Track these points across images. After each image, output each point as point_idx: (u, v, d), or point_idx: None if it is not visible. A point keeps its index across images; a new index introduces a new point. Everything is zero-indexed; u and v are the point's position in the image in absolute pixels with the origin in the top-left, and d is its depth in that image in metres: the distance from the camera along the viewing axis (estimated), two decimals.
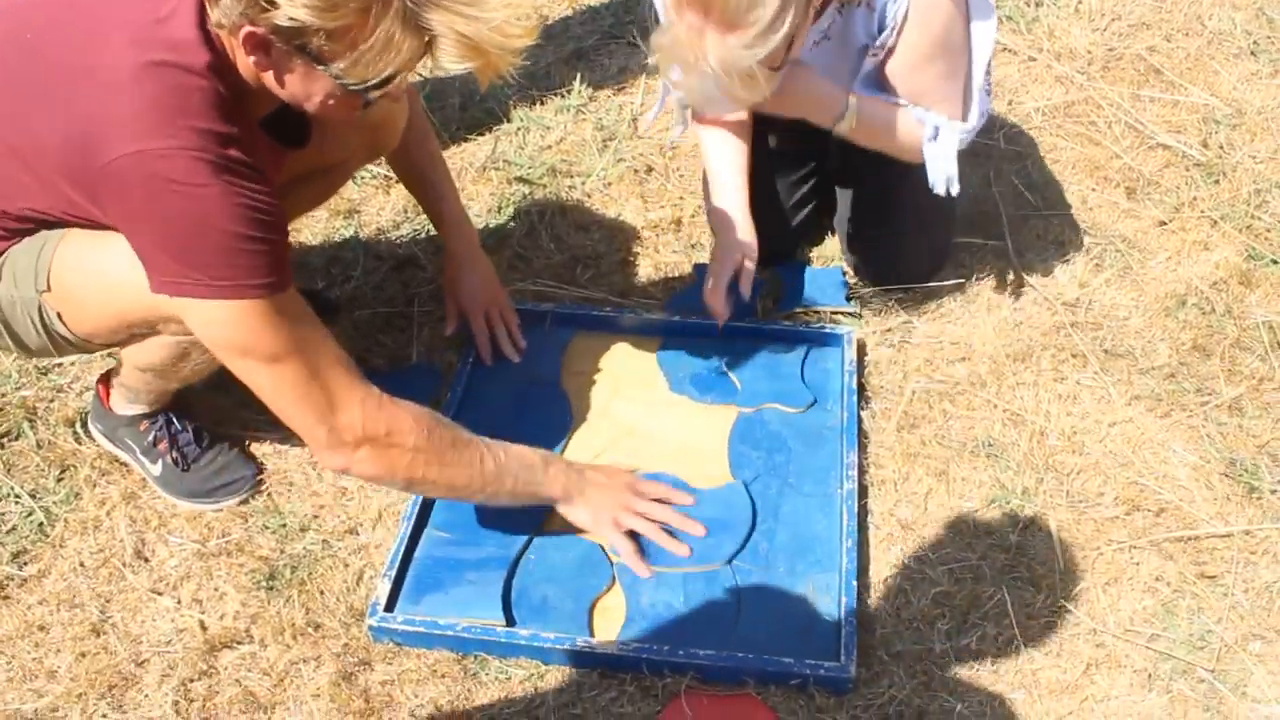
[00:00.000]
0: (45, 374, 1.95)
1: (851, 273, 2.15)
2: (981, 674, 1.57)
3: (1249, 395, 1.93)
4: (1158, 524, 1.74)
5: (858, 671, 1.53)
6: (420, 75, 2.52)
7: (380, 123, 1.75)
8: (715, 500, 1.73)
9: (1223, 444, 1.85)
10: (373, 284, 2.14)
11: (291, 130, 1.61)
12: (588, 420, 1.88)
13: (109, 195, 1.30)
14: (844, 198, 2.12)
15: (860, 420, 1.87)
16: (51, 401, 1.92)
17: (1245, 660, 1.58)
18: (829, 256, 2.20)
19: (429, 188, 1.93)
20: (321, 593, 1.65)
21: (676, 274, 2.16)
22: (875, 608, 1.64)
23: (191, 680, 1.56)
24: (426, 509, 1.72)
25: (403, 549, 1.65)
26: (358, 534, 1.74)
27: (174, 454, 1.76)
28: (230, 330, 1.34)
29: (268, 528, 1.74)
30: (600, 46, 2.73)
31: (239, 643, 1.61)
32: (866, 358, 1.99)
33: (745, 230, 1.90)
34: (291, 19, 1.21)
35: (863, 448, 1.83)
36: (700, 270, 2.09)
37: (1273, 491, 1.78)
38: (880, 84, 1.76)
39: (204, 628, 1.62)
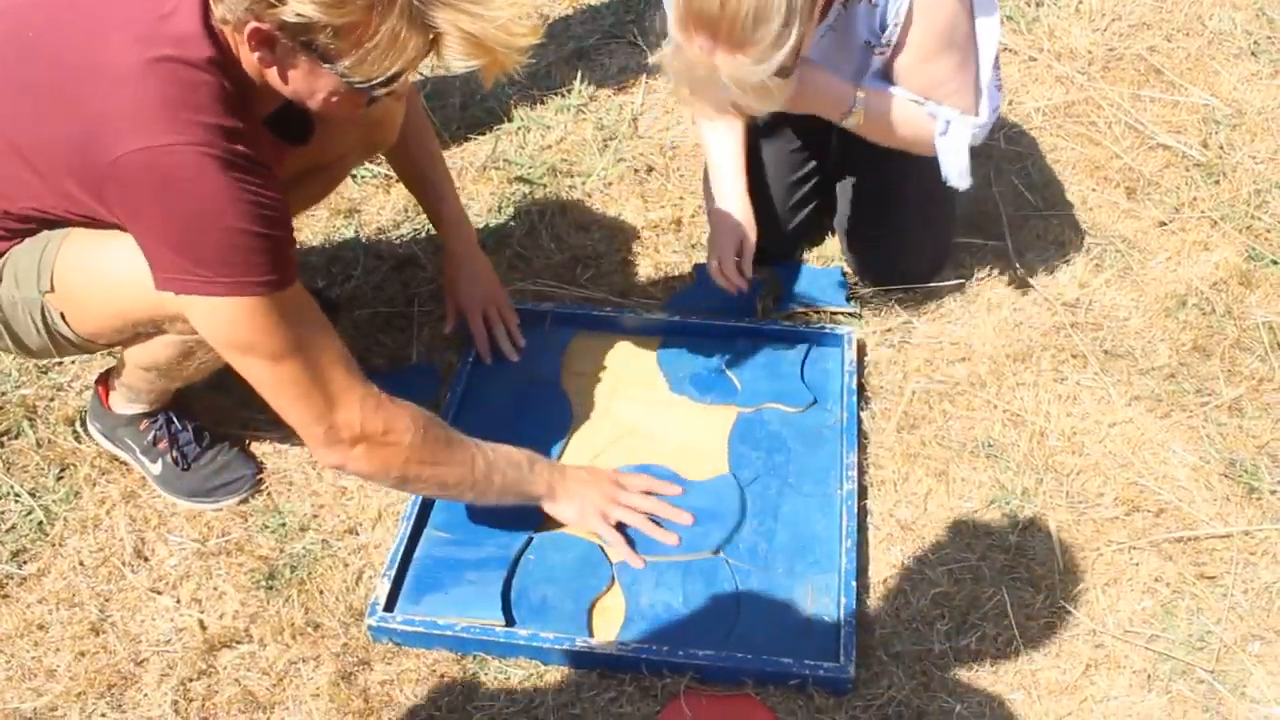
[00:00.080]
0: (45, 372, 1.95)
1: (851, 273, 2.15)
2: (981, 674, 1.57)
3: (1249, 396, 1.93)
4: (1157, 524, 1.75)
5: (857, 672, 1.53)
6: (421, 74, 2.52)
7: (378, 119, 1.75)
8: (705, 491, 1.74)
9: (1222, 444, 1.85)
10: (373, 283, 2.14)
11: (294, 127, 1.61)
12: (588, 420, 1.88)
13: (114, 192, 1.30)
14: (844, 196, 2.12)
15: (860, 420, 1.87)
16: (51, 400, 1.92)
17: (1245, 661, 1.58)
18: (829, 257, 2.20)
19: (428, 187, 1.93)
20: (321, 592, 1.65)
21: (677, 274, 2.16)
22: (874, 608, 1.64)
23: (191, 680, 1.56)
24: (426, 509, 1.72)
25: (402, 549, 1.65)
26: (357, 534, 1.74)
27: (174, 453, 1.76)
28: (233, 327, 1.34)
29: (267, 527, 1.74)
30: (601, 46, 2.73)
31: (238, 642, 1.61)
32: (866, 358, 1.99)
33: (744, 213, 1.95)
34: (298, 15, 1.21)
35: (862, 448, 1.83)
36: (700, 270, 2.09)
37: (1272, 492, 1.78)
38: (891, 81, 1.77)
39: (203, 627, 1.62)
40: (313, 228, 2.25)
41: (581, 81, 2.58)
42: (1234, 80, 2.59)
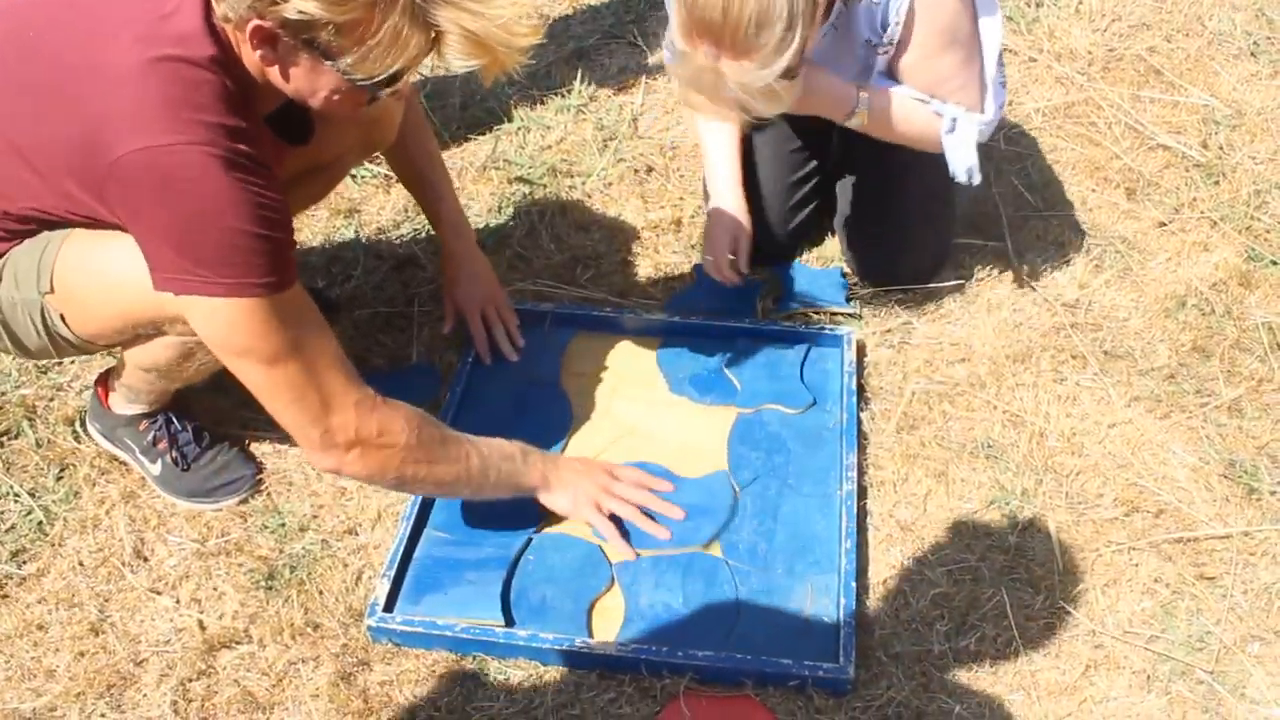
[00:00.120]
0: (45, 373, 1.95)
1: (851, 273, 2.15)
2: (980, 675, 1.57)
3: (1248, 396, 1.93)
4: (1157, 525, 1.75)
5: (856, 673, 1.53)
6: (421, 75, 2.52)
7: (376, 119, 1.75)
8: (697, 487, 1.75)
9: (1222, 445, 1.85)
10: (373, 284, 2.14)
11: (294, 127, 1.61)
12: (588, 421, 1.88)
13: (116, 192, 1.30)
14: (844, 195, 2.12)
15: (860, 421, 1.87)
16: (51, 400, 1.92)
17: (1244, 661, 1.58)
18: (829, 257, 2.20)
19: (427, 187, 1.93)
20: (320, 593, 1.65)
21: (676, 274, 2.16)
22: (874, 609, 1.64)
23: (190, 680, 1.56)
24: (426, 509, 1.72)
25: (402, 549, 1.65)
26: (357, 534, 1.74)
27: (173, 453, 1.76)
28: (232, 328, 1.33)
29: (267, 527, 1.74)
30: (601, 46, 2.73)
31: (238, 642, 1.61)
32: (866, 359, 1.99)
33: (739, 209, 1.98)
34: (301, 12, 1.21)
35: (862, 449, 1.83)
36: (700, 270, 2.09)
37: (1272, 493, 1.78)
38: (897, 79, 1.77)
39: (203, 627, 1.62)
40: (312, 228, 2.25)
41: (581, 82, 2.58)
42: (1234, 81, 2.59)
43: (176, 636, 1.61)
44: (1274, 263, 2.16)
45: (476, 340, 1.96)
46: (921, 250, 2.09)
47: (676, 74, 1.57)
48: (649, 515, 1.69)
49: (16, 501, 1.77)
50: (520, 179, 2.35)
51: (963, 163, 1.79)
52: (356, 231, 2.24)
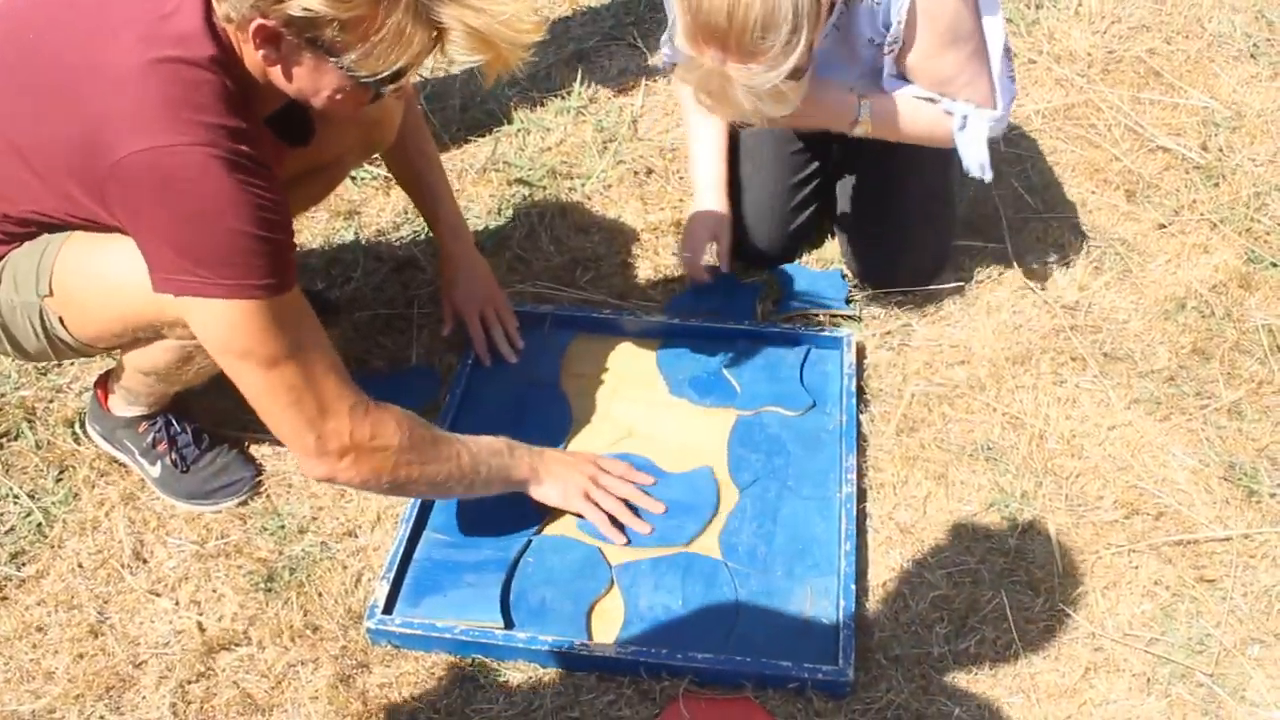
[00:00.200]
0: (44, 374, 1.95)
1: (851, 275, 2.15)
2: (980, 678, 1.57)
3: (1248, 399, 1.93)
4: (1157, 528, 1.74)
5: (856, 675, 1.53)
6: (421, 76, 2.52)
7: (376, 119, 1.76)
8: (682, 483, 1.75)
9: (1222, 447, 1.85)
10: (372, 285, 2.14)
11: (295, 128, 1.60)
12: (587, 422, 1.87)
13: (115, 193, 1.30)
14: (845, 196, 2.12)
15: (859, 423, 1.87)
16: (50, 402, 1.92)
17: (1244, 664, 1.58)
18: (829, 259, 2.20)
19: (425, 189, 1.93)
20: (320, 595, 1.65)
21: (676, 276, 2.16)
22: (873, 611, 1.64)
23: (189, 682, 1.56)
24: (425, 511, 1.72)
25: (401, 551, 1.65)
26: (356, 536, 1.74)
27: (173, 455, 1.76)
28: (231, 330, 1.33)
29: (266, 529, 1.74)
30: (600, 48, 2.73)
31: (237, 644, 1.61)
32: (866, 361, 1.99)
33: (720, 204, 2.01)
34: (305, 9, 1.22)
35: (862, 451, 1.83)
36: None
37: (1272, 495, 1.78)
38: (906, 78, 1.78)
39: (202, 629, 1.62)
40: (312, 229, 2.25)
41: (581, 83, 2.58)
42: (1233, 83, 2.59)
43: (176, 638, 1.61)
44: (1274, 265, 2.16)
45: (475, 342, 1.95)
46: (922, 250, 2.09)
47: (684, 78, 1.58)
48: (633, 510, 1.70)
49: (16, 503, 1.77)
50: (520, 181, 2.35)
51: (975, 159, 1.81)
52: (356, 233, 2.24)
